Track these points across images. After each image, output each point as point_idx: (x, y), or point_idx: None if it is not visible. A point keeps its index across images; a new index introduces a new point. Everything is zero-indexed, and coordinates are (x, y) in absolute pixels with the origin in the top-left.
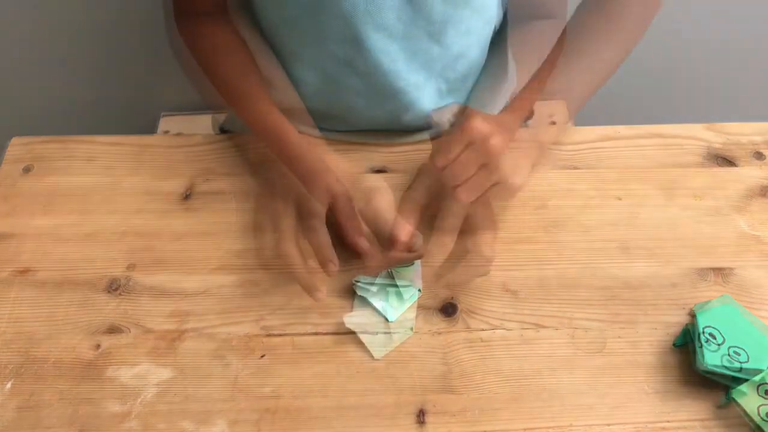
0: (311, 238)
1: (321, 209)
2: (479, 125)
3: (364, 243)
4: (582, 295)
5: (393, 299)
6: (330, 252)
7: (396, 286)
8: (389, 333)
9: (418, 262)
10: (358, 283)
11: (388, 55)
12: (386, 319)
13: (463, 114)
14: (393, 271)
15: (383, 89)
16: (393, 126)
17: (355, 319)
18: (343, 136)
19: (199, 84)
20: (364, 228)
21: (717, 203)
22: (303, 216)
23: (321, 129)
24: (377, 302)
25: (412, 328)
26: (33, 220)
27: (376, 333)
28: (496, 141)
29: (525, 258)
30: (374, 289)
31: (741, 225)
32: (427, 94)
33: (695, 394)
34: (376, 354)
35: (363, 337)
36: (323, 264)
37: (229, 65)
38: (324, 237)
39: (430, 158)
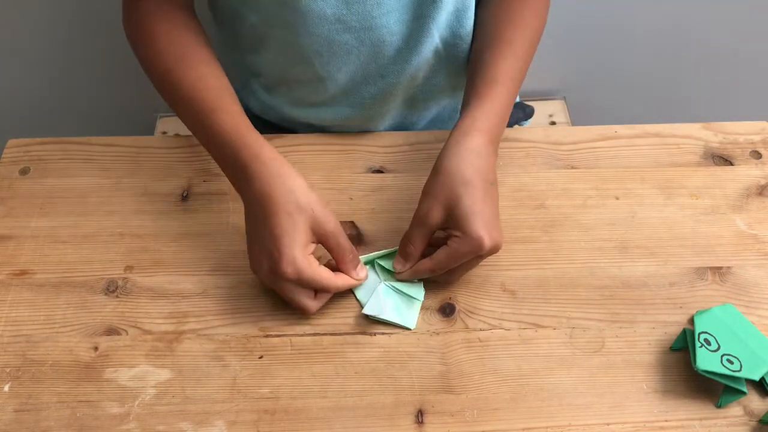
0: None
1: (305, 257)
2: (491, 243)
3: (362, 274)
4: (580, 295)
5: (404, 307)
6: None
7: (400, 292)
8: (409, 300)
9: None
10: (365, 308)
11: (381, 7)
12: (413, 297)
13: (451, 205)
14: (390, 281)
15: (376, 47)
16: (389, 101)
17: (371, 306)
18: (342, 123)
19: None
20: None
21: (715, 202)
22: (287, 277)
23: (318, 120)
24: (391, 317)
25: (422, 286)
26: (30, 221)
27: (398, 308)
28: (500, 244)
29: (523, 258)
30: (383, 305)
31: (739, 224)
32: (422, 53)
33: (694, 393)
34: (411, 324)
35: (390, 317)
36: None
37: (190, 72)
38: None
39: (432, 263)
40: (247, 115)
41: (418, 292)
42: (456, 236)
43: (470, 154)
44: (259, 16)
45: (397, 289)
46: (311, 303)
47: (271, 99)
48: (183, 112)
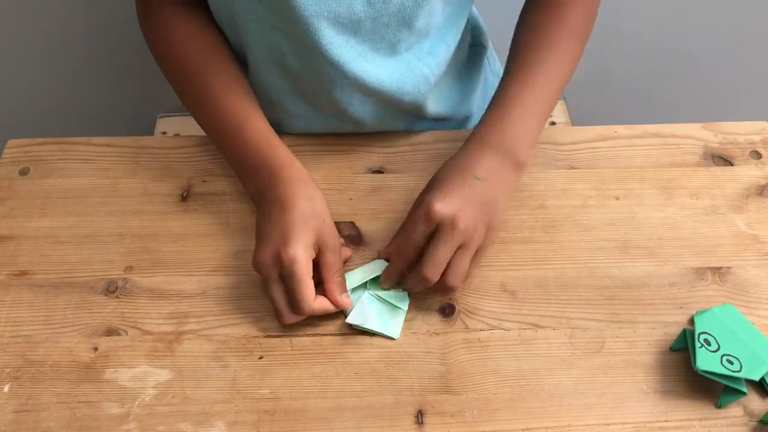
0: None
1: (306, 258)
2: (439, 208)
3: (346, 301)
4: (580, 295)
5: (387, 317)
6: (310, 308)
7: (385, 301)
8: (393, 310)
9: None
10: (348, 317)
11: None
12: (397, 306)
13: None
14: (375, 289)
15: (359, 82)
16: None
17: (355, 315)
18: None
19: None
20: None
21: (715, 202)
22: (284, 263)
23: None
24: (375, 326)
25: (407, 295)
26: (30, 222)
27: (382, 317)
28: (462, 220)
29: (523, 258)
30: (366, 315)
31: (739, 224)
32: (410, 87)
33: (694, 393)
34: (394, 334)
35: (373, 326)
36: (299, 312)
37: (216, 81)
38: (308, 291)
39: (392, 245)
40: None
41: (402, 301)
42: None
43: (456, 158)
44: (244, 37)
45: (381, 298)
46: (287, 312)
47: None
48: (208, 124)
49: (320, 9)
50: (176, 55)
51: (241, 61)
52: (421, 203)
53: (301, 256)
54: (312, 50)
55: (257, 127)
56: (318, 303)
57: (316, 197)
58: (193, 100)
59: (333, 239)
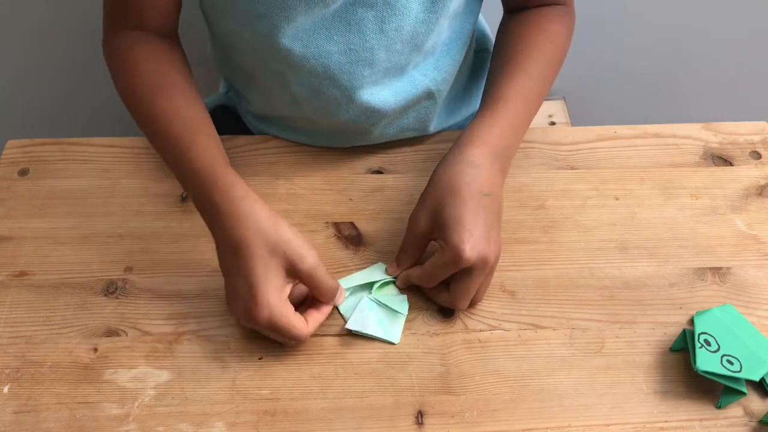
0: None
1: (281, 303)
2: (470, 253)
3: (340, 299)
4: (580, 296)
5: (387, 321)
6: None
7: (385, 306)
8: (393, 314)
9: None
10: (348, 323)
11: (372, 67)
12: (397, 311)
13: (441, 223)
14: (374, 294)
15: (366, 106)
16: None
17: (354, 320)
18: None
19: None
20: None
21: (714, 203)
22: (261, 324)
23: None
24: (375, 331)
25: (406, 299)
26: (30, 222)
27: (382, 322)
28: (492, 254)
29: (523, 258)
30: (366, 320)
31: (738, 224)
32: (415, 103)
33: (693, 393)
34: (395, 339)
35: (373, 332)
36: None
37: (165, 104)
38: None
39: (414, 276)
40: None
41: (402, 305)
42: (441, 246)
43: (463, 164)
44: (250, 59)
45: (380, 302)
46: (289, 342)
47: (260, 123)
48: (159, 148)
49: (331, 35)
50: (128, 75)
51: (248, 75)
52: (447, 243)
53: (275, 309)
54: (321, 77)
55: (199, 149)
56: (312, 324)
57: (268, 228)
58: (148, 132)
59: (303, 263)
